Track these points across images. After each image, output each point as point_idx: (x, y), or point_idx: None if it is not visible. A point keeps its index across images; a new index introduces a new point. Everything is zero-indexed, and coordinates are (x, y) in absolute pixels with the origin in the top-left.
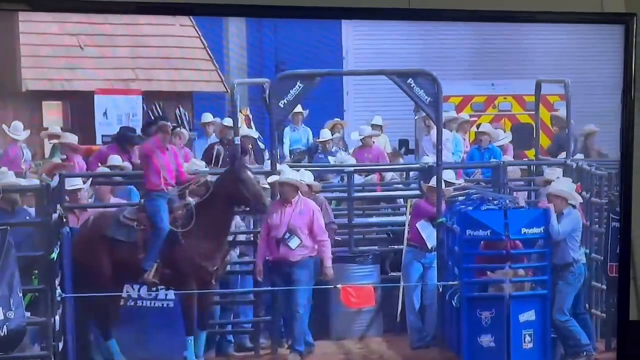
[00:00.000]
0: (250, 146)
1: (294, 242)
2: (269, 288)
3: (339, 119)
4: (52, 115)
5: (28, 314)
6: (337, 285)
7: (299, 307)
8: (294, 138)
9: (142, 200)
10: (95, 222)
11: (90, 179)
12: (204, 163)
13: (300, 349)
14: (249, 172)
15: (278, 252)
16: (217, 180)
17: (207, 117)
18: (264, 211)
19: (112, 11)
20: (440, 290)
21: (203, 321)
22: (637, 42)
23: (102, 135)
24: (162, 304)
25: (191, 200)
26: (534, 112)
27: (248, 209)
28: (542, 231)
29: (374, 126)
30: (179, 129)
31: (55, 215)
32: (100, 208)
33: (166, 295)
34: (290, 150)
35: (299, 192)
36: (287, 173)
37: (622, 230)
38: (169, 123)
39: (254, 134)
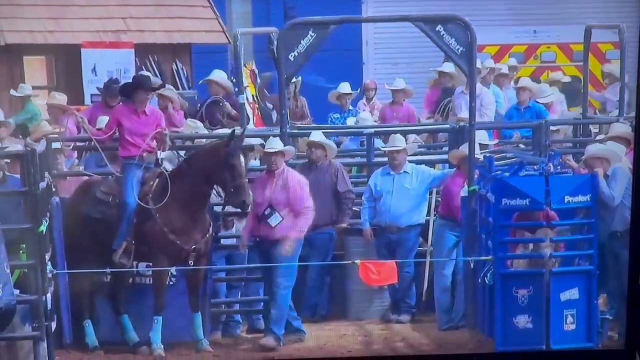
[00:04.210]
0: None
1: (274, 220)
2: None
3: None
4: (35, 71)
5: (17, 291)
6: (356, 261)
7: (277, 286)
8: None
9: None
10: (75, 197)
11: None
12: (200, 124)
13: (278, 332)
14: (241, 158)
15: (259, 230)
16: (202, 150)
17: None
18: (243, 208)
19: None
20: (472, 266)
21: (194, 302)
22: None
23: (92, 95)
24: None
25: (167, 168)
26: (582, 63)
27: (225, 197)
28: (589, 199)
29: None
30: (164, 90)
31: (43, 184)
32: (89, 177)
33: (170, 272)
34: None
35: (283, 162)
36: (271, 142)
37: (635, 191)
38: (148, 83)
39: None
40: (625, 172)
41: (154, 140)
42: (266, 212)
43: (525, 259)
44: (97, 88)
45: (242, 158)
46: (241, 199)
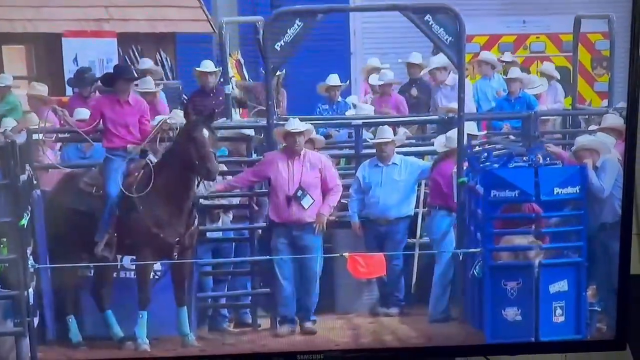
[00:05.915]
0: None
1: (306, 201)
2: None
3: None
4: (15, 61)
5: None
6: (344, 254)
7: (316, 275)
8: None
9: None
10: (58, 189)
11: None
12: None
13: (314, 318)
14: (205, 131)
15: (288, 213)
16: (176, 137)
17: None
18: (209, 177)
19: None
20: (461, 258)
21: (180, 296)
22: None
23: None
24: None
25: (151, 160)
26: (571, 54)
27: (197, 175)
28: (578, 191)
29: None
30: (144, 82)
31: (23, 177)
32: (70, 169)
33: (154, 266)
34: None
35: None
36: (293, 122)
37: (625, 182)
38: (130, 72)
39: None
40: (615, 164)
41: (140, 133)
42: (298, 194)
43: (514, 251)
44: (68, 79)
45: (205, 131)
46: (206, 167)
